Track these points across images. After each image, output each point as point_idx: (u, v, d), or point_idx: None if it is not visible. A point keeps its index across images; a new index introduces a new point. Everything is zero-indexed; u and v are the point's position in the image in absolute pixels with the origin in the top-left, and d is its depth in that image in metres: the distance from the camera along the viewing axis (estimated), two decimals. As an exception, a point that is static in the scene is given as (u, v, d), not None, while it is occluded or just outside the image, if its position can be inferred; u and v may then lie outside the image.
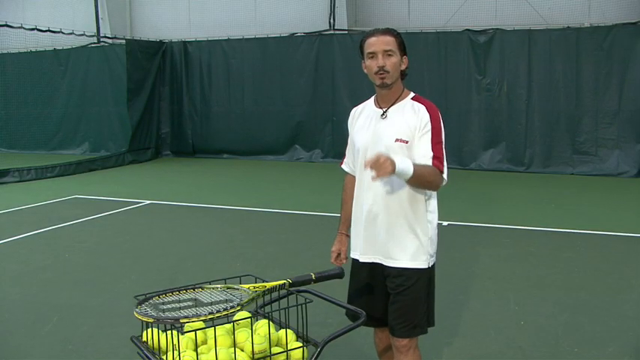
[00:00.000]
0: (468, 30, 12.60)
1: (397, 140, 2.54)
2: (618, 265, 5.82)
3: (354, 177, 2.82)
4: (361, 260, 2.71)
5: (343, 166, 2.94)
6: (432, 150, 2.51)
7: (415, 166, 2.39)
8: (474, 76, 12.60)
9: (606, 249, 6.48)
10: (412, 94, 2.66)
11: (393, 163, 2.28)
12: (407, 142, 2.53)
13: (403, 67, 2.61)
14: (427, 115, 2.54)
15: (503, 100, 12.46)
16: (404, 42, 2.61)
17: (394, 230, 2.59)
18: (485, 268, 5.65)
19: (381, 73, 2.54)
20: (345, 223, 2.85)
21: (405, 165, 2.35)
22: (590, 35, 11.77)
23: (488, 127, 12.58)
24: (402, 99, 2.63)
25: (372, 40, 2.56)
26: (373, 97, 2.74)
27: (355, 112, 2.81)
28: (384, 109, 2.63)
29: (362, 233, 2.68)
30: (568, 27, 11.98)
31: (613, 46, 11.63)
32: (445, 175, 2.52)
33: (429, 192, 2.62)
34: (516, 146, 12.43)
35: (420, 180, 2.44)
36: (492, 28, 12.45)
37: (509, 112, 12.43)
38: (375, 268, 2.67)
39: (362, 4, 14.35)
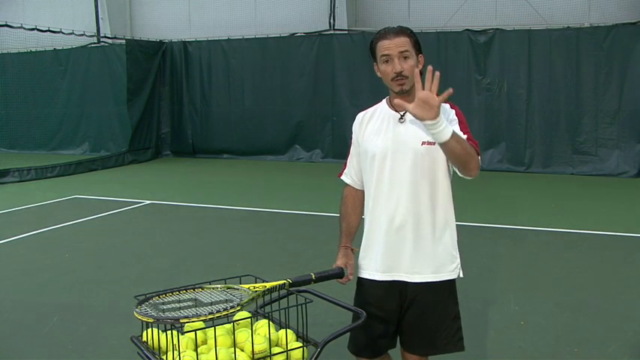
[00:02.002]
0: (468, 30, 12.59)
1: (424, 143, 2.36)
2: (618, 265, 5.82)
3: (355, 189, 2.63)
4: (379, 279, 2.45)
5: (343, 178, 2.66)
6: (464, 133, 2.32)
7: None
8: (474, 76, 12.59)
9: (606, 249, 6.48)
10: None
11: (439, 104, 2.07)
12: (434, 144, 2.34)
13: (420, 67, 2.40)
14: (452, 111, 2.42)
15: (503, 100, 12.45)
16: (418, 40, 2.41)
17: (423, 240, 2.40)
18: (485, 268, 5.65)
19: (399, 79, 2.33)
20: (349, 236, 2.62)
21: (446, 122, 2.14)
22: (590, 35, 11.77)
23: (488, 127, 12.55)
24: None
25: (385, 42, 2.34)
26: (385, 99, 2.54)
27: (363, 117, 2.57)
28: (402, 112, 2.42)
29: (380, 249, 2.44)
30: (568, 27, 11.98)
31: (613, 46, 11.63)
32: (480, 160, 2.31)
33: (451, 194, 2.47)
34: (516, 146, 12.42)
35: (460, 145, 2.18)
36: (492, 28, 12.45)
37: (509, 112, 12.43)
38: (392, 287, 2.44)
39: (362, 4, 14.34)
